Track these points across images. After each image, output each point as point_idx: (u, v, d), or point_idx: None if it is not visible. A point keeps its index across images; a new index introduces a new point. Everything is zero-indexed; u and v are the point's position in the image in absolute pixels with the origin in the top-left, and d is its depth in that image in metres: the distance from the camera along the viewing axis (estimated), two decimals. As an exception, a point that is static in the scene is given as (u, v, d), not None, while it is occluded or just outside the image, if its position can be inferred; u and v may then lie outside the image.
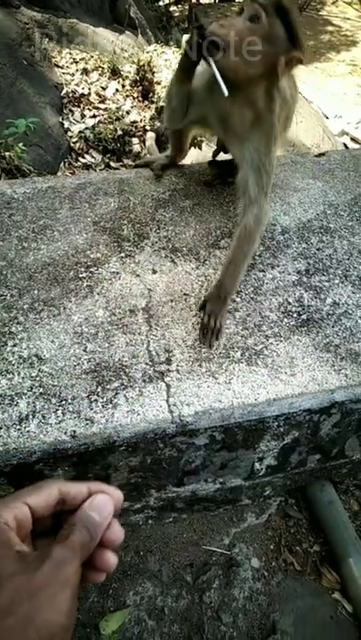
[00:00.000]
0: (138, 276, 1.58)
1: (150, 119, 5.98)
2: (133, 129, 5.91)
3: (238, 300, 1.52)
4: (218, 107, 1.47)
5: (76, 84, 5.84)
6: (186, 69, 1.46)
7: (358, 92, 14.62)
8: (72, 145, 5.44)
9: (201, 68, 1.43)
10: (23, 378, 1.31)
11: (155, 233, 1.71)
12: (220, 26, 1.26)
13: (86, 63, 6.06)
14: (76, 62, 6.01)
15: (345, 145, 11.26)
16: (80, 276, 1.56)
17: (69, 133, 5.49)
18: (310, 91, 13.68)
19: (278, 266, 1.62)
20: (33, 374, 1.32)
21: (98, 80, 6.04)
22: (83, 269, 1.58)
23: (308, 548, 1.82)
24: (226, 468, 1.54)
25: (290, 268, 1.62)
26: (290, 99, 1.48)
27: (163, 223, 1.74)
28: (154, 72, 6.36)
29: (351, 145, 11.33)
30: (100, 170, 5.40)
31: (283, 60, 1.29)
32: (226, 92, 1.27)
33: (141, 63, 6.22)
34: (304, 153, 2.04)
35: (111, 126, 5.65)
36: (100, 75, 6.08)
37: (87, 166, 5.40)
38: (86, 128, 5.55)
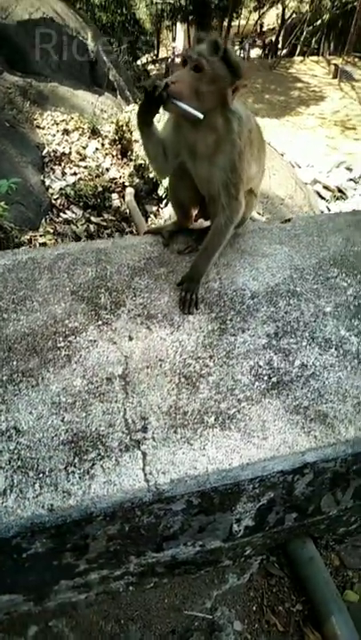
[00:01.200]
0: (115, 343, 1.64)
1: (129, 176, 6.23)
2: (113, 185, 6.14)
3: (211, 364, 1.59)
4: (186, 140, 1.76)
5: (57, 144, 6.09)
6: (145, 120, 1.76)
7: (328, 144, 15.37)
8: (53, 202, 5.62)
9: (161, 118, 1.76)
10: (1, 451, 1.34)
11: (131, 300, 1.78)
12: (171, 81, 1.53)
13: (67, 124, 6.35)
14: (57, 123, 6.29)
15: (318, 193, 11.75)
16: (58, 345, 1.62)
17: (50, 191, 5.68)
18: (283, 142, 14.35)
19: (249, 329, 1.70)
20: (11, 447, 1.35)
21: (78, 140, 6.31)
22: (61, 339, 1.64)
23: (291, 607, 1.81)
24: (204, 532, 1.55)
25: (260, 331, 1.70)
26: (246, 118, 1.71)
27: (138, 290, 1.82)
28: (132, 131, 6.67)
29: (323, 192, 11.82)
30: (81, 224, 5.56)
31: (229, 90, 1.58)
32: (200, 115, 1.56)
33: (120, 123, 6.53)
34: (271, 221, 2.17)
35: (91, 183, 5.86)
36: (80, 135, 6.35)
37: (68, 221, 5.56)
38: (67, 185, 5.75)
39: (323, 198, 11.46)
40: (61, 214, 5.61)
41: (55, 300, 1.75)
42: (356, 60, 21.15)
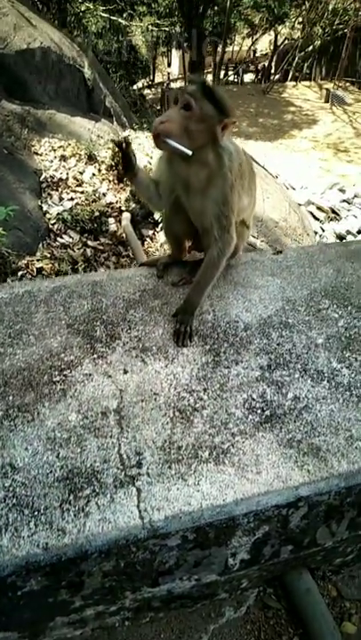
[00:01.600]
0: (110, 376, 1.66)
1: (125, 200, 6.31)
2: (109, 210, 6.22)
3: (205, 397, 1.61)
4: (180, 175, 1.83)
5: (55, 170, 6.18)
6: (129, 173, 1.88)
7: (321, 166, 15.65)
8: (50, 226, 5.68)
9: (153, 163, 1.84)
10: (-3, 488, 1.35)
11: (126, 333, 1.81)
12: (161, 121, 1.63)
13: (64, 150, 6.45)
14: (55, 150, 6.40)
15: (312, 214, 11.91)
16: (54, 379, 1.64)
17: (48, 216, 5.74)
18: (277, 164, 14.59)
19: (242, 362, 1.72)
20: (7, 484, 1.36)
21: (75, 165, 6.41)
22: (56, 373, 1.66)
23: (289, 640, 1.80)
24: (200, 566, 1.55)
25: (253, 363, 1.72)
26: (236, 153, 1.79)
27: (133, 323, 1.85)
28: (128, 157, 6.78)
29: (317, 213, 11.98)
30: (78, 249, 5.62)
31: (218, 128, 1.65)
32: (189, 152, 1.63)
33: (116, 149, 6.64)
34: (263, 251, 2.21)
35: (88, 208, 5.94)
36: (77, 160, 6.46)
37: (65, 246, 5.62)
38: (64, 210, 5.82)
39: (317, 219, 11.62)
40: (58, 239, 5.67)
41: (51, 334, 1.78)
42: (348, 84, 21.65)
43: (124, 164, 1.80)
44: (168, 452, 1.46)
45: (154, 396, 1.60)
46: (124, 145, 1.77)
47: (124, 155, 1.76)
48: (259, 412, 1.58)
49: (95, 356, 1.73)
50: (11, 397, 1.57)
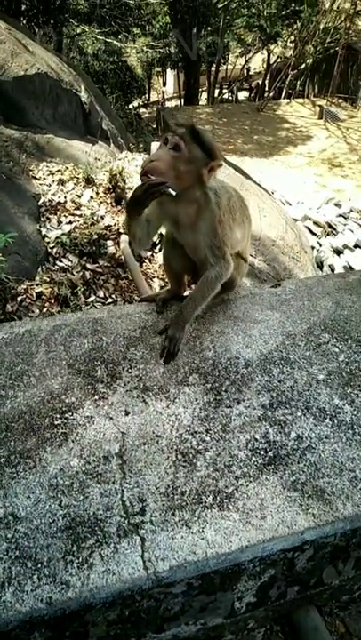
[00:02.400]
0: (111, 418, 1.65)
1: (123, 223, 6.35)
2: (108, 232, 6.25)
3: (208, 439, 1.60)
4: (169, 213, 1.90)
5: (53, 194, 6.23)
6: (138, 211, 1.84)
7: (316, 181, 15.79)
8: (49, 250, 5.71)
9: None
10: (-1, 540, 1.34)
11: (127, 372, 1.81)
12: (151, 160, 1.67)
13: (62, 174, 6.51)
14: (53, 174, 6.46)
15: (308, 229, 11.99)
16: (55, 423, 1.63)
17: (47, 239, 5.77)
18: (272, 180, 14.73)
19: (244, 400, 1.72)
20: (9, 536, 1.35)
21: (73, 189, 6.47)
22: (58, 416, 1.65)
23: None
24: (206, 611, 1.53)
25: (255, 402, 1.72)
26: (223, 190, 1.86)
27: (134, 362, 1.85)
28: (125, 180, 6.84)
29: (314, 228, 12.07)
30: (77, 272, 5.64)
31: (205, 170, 1.72)
32: (173, 192, 1.67)
33: (114, 172, 6.70)
34: (261, 285, 2.22)
35: (87, 231, 5.98)
36: (75, 184, 6.51)
37: (64, 269, 5.64)
38: (63, 234, 5.85)
39: (314, 234, 11.69)
40: (58, 262, 5.69)
41: (52, 375, 1.78)
42: (340, 100, 21.95)
43: (141, 198, 1.71)
44: (172, 497, 1.44)
45: (156, 439, 1.60)
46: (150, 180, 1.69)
47: (147, 190, 1.67)
48: (262, 453, 1.57)
49: (96, 397, 1.72)
50: (12, 443, 1.56)
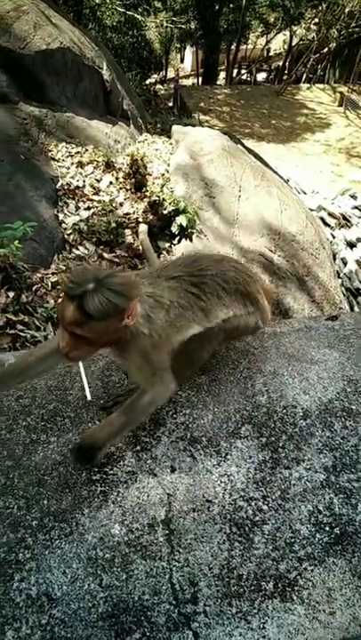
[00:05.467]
0: (155, 475, 1.46)
1: (143, 212, 6.09)
2: (126, 220, 5.99)
3: (265, 508, 1.41)
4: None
5: (72, 177, 5.94)
6: None
7: (333, 170, 15.40)
8: (66, 237, 5.46)
9: None
10: (32, 627, 1.16)
11: (171, 418, 1.61)
12: (62, 347, 1.30)
13: (81, 156, 6.21)
14: (72, 156, 6.16)
15: (323, 220, 11.70)
16: (93, 478, 1.44)
17: (64, 225, 5.52)
18: (289, 168, 14.36)
19: (304, 461, 1.53)
20: (43, 621, 1.17)
21: (92, 173, 6.18)
22: (96, 469, 1.46)
23: None
24: None
25: (316, 463, 1.52)
26: (155, 306, 1.44)
27: (179, 405, 1.65)
28: (146, 165, 6.55)
29: (328, 219, 11.79)
30: (94, 261, 5.41)
31: (122, 325, 1.30)
32: (89, 397, 1.47)
33: (135, 157, 6.41)
34: (317, 317, 2.01)
35: (105, 218, 5.72)
36: (94, 167, 6.22)
37: (81, 258, 5.40)
38: (80, 220, 5.59)
39: (327, 225, 11.39)
40: (74, 250, 5.46)
41: (88, 417, 1.58)
42: (363, 88, 21.31)
43: None
44: (227, 582, 1.26)
45: (207, 504, 1.41)
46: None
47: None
48: (327, 529, 1.38)
49: (138, 447, 1.53)
50: (45, 501, 1.38)
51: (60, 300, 1.33)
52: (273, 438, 1.59)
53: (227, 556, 1.31)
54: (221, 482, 1.46)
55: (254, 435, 1.59)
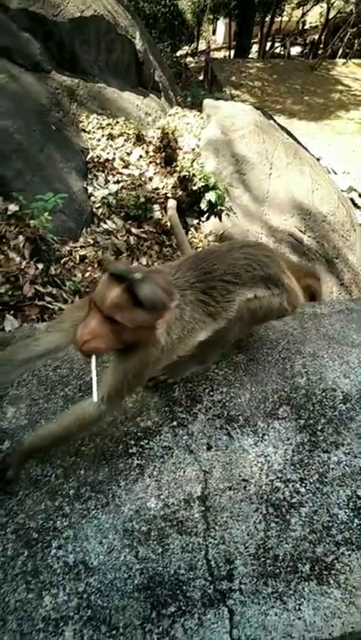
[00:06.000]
0: (192, 452, 1.45)
1: (172, 187, 6.01)
2: (155, 195, 5.91)
3: (303, 490, 1.39)
4: None
5: (102, 149, 5.87)
6: None
7: (366, 150, 14.92)
8: (94, 210, 5.42)
9: None
10: (69, 594, 1.17)
11: (208, 396, 1.59)
12: (84, 340, 1.18)
13: (112, 129, 6.12)
14: (103, 127, 6.07)
15: (352, 201, 11.41)
16: (130, 451, 1.43)
17: (92, 199, 5.47)
18: (319, 147, 13.97)
19: (343, 445, 1.50)
20: (80, 589, 1.18)
21: (123, 145, 6.09)
22: (132, 442, 1.45)
23: None
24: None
25: (356, 448, 1.49)
26: (166, 331, 1.34)
27: (216, 383, 1.63)
28: (177, 139, 6.43)
29: (359, 201, 11.50)
30: (122, 236, 5.37)
31: (155, 324, 1.25)
32: (95, 398, 1.25)
33: (166, 131, 6.29)
34: (358, 299, 1.95)
35: (134, 193, 5.66)
36: (125, 140, 6.13)
37: (109, 232, 5.37)
38: (109, 194, 5.54)
39: (357, 207, 11.12)
40: (102, 224, 5.42)
41: (125, 391, 1.57)
42: None
43: None
44: (263, 562, 1.25)
45: (243, 484, 1.39)
46: None
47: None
48: (365, 515, 1.36)
49: (175, 423, 1.52)
50: (82, 471, 1.38)
51: (98, 282, 1.17)
52: (311, 421, 1.55)
53: (263, 536, 1.30)
54: (258, 462, 1.44)
55: (292, 416, 1.56)
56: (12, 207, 4.14)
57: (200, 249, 5.93)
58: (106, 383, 1.30)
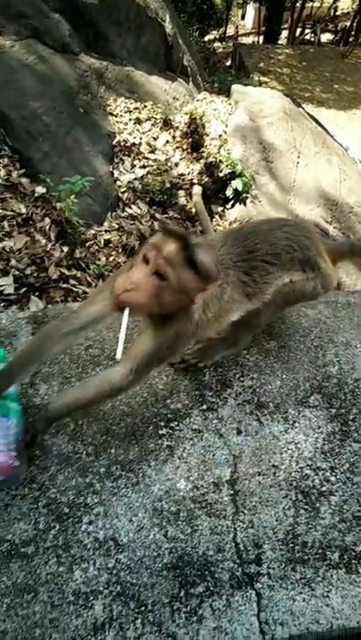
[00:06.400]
0: (221, 436, 1.45)
1: (198, 173, 5.96)
2: (181, 181, 5.88)
3: (333, 479, 1.38)
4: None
5: (129, 134, 5.84)
6: None
7: (396, 142, 14.59)
8: (120, 195, 5.42)
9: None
10: (99, 569, 1.18)
11: (238, 381, 1.59)
12: (126, 289, 1.14)
13: (139, 113, 6.08)
14: (130, 111, 6.04)
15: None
16: (160, 432, 1.44)
17: (118, 183, 5.46)
18: (348, 136, 13.69)
19: (374, 436, 1.48)
20: (110, 565, 1.19)
21: (150, 130, 6.05)
22: (163, 423, 1.46)
23: None
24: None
25: (387, 439, 1.48)
26: (203, 306, 1.32)
27: (247, 369, 1.62)
28: (204, 125, 6.37)
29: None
30: (146, 221, 5.36)
31: (198, 294, 1.21)
32: (119, 357, 1.16)
33: (193, 116, 6.23)
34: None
35: (159, 178, 5.63)
36: (152, 125, 6.09)
37: (133, 217, 5.37)
38: (135, 179, 5.52)
39: (385, 200, 10.91)
40: (127, 209, 5.41)
41: (155, 372, 1.57)
42: None
43: None
44: (291, 548, 1.25)
45: (273, 469, 1.39)
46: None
47: None
48: None
49: (204, 407, 1.52)
50: (113, 450, 1.39)
51: (154, 236, 1.14)
52: (343, 410, 1.54)
53: (292, 522, 1.30)
54: (288, 449, 1.44)
55: (324, 405, 1.55)
56: (39, 189, 4.16)
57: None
58: (137, 352, 1.30)
